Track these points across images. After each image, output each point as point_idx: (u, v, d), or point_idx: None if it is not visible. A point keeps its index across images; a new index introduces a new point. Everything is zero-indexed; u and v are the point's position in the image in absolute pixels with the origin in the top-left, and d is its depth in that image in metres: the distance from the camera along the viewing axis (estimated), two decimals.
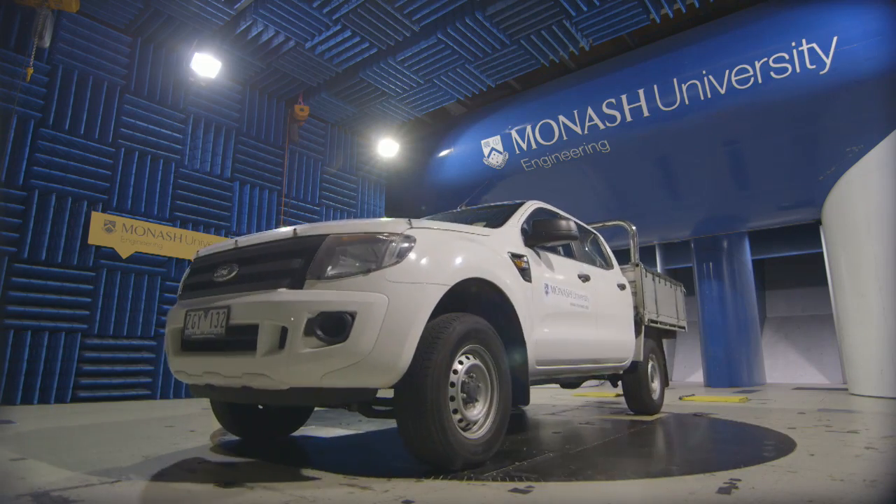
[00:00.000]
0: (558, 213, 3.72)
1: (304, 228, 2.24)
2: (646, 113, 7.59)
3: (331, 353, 1.92)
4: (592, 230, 4.50)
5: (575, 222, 3.75)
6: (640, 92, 7.56)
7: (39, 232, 5.51)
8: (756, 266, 11.27)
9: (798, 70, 6.50)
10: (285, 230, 2.28)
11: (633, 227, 5.07)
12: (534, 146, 8.69)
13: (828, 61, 6.32)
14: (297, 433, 3.35)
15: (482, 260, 2.50)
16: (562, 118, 8.32)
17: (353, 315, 1.94)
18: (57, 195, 5.66)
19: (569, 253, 3.62)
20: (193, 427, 3.67)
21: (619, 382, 4.54)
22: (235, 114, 7.54)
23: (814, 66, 6.41)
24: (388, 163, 9.86)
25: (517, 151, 8.89)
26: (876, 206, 6.66)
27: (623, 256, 5.07)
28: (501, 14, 6.40)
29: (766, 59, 6.68)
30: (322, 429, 3.60)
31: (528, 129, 8.68)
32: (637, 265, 4.66)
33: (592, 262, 3.96)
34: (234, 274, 2.25)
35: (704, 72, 7.08)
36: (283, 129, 8.19)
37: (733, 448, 2.95)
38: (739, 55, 6.86)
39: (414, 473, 2.10)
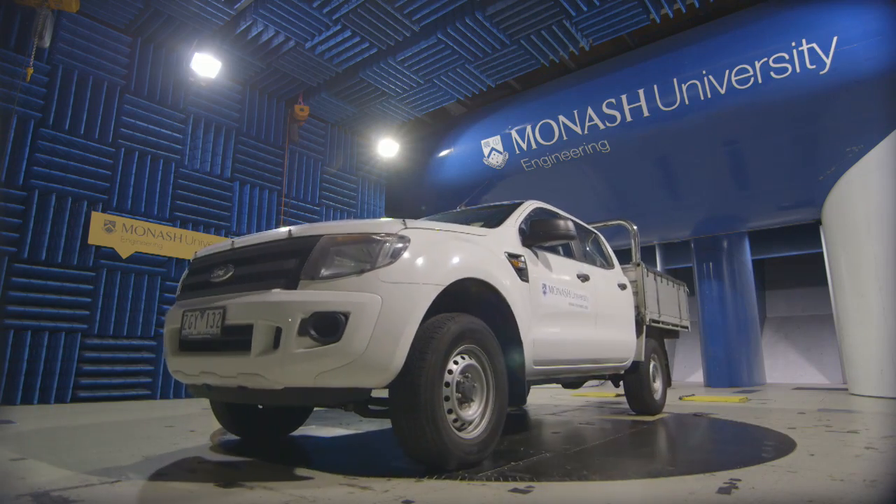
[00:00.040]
0: (558, 213, 3.71)
1: (299, 229, 2.24)
2: (646, 113, 7.59)
3: (324, 353, 1.93)
4: (593, 230, 4.49)
5: (574, 222, 3.74)
6: (640, 92, 7.56)
7: (39, 232, 5.51)
8: (756, 266, 11.26)
9: (798, 70, 6.50)
10: (281, 231, 2.29)
11: (635, 227, 5.06)
12: (534, 146, 8.69)
13: (828, 61, 6.32)
14: (296, 433, 3.35)
15: (478, 260, 2.50)
16: (562, 118, 8.32)
17: (346, 315, 1.95)
18: (57, 195, 5.66)
19: (568, 253, 3.61)
20: (193, 427, 3.67)
21: (621, 382, 4.53)
22: (235, 114, 7.54)
23: (814, 66, 6.41)
24: (388, 163, 9.85)
25: (517, 151, 8.89)
26: (876, 206, 6.66)
27: (625, 256, 5.06)
28: (501, 14, 6.40)
29: (766, 59, 6.68)
30: (322, 428, 3.60)
31: (528, 129, 8.68)
32: (638, 265, 4.65)
33: (593, 262, 3.95)
34: (230, 274, 2.26)
35: (704, 72, 7.08)
36: (283, 129, 8.19)
37: (733, 448, 2.95)
38: (739, 55, 6.86)
39: (414, 473, 2.10)
